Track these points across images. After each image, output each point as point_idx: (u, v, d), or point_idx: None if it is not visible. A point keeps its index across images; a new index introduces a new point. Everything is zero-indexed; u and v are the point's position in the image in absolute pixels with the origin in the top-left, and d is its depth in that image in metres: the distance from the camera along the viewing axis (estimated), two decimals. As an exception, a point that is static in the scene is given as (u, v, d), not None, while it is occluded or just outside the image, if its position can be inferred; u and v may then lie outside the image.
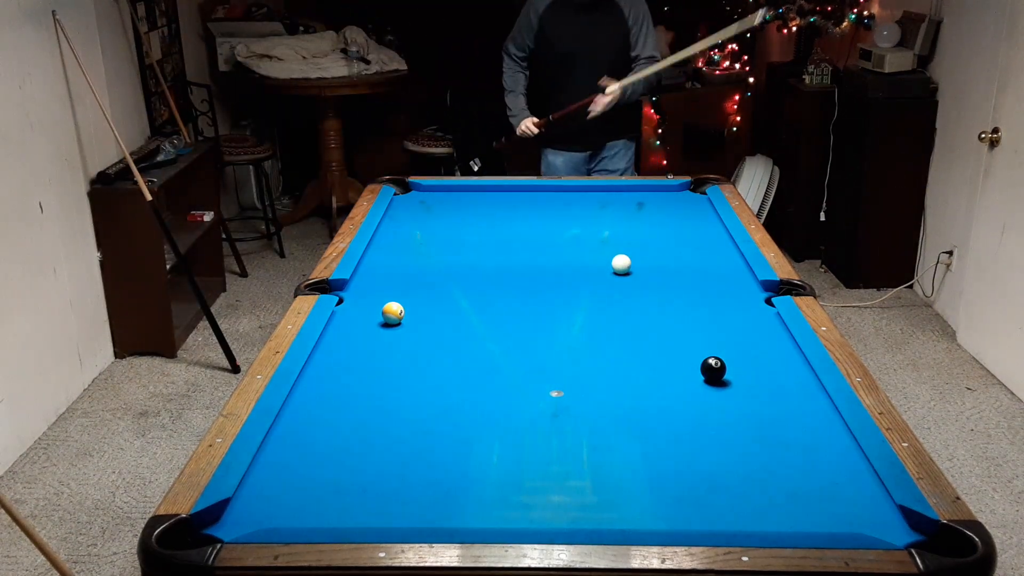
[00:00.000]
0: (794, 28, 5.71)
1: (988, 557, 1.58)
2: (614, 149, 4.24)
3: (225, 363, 4.26)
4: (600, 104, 3.79)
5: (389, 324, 2.54)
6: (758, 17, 3.42)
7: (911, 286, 5.04)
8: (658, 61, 3.83)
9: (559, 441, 2.00)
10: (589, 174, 4.26)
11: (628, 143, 4.26)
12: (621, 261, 2.91)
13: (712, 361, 2.20)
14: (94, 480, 3.44)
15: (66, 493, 3.36)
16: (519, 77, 4.08)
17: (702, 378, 2.21)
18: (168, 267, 4.32)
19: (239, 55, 5.66)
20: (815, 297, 2.66)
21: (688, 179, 3.83)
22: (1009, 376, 4.05)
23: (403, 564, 1.57)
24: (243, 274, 5.37)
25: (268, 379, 2.18)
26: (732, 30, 3.55)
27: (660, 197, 3.68)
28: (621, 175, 4.23)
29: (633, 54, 3.90)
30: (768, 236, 3.18)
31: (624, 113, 4.07)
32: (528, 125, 3.96)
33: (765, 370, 2.30)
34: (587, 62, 3.94)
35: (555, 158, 4.16)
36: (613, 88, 3.71)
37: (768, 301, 2.66)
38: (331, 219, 5.91)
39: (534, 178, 3.96)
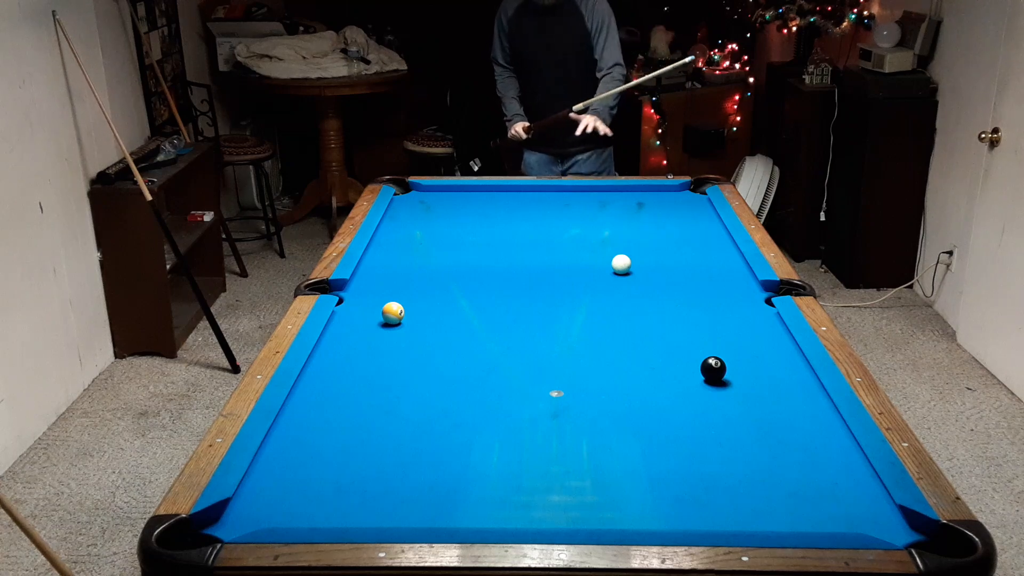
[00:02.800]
0: (794, 28, 5.70)
1: (988, 557, 1.58)
2: (584, 155, 4.25)
3: (225, 363, 4.26)
4: (586, 123, 3.72)
5: (389, 324, 2.54)
6: (688, 57, 3.84)
7: (911, 286, 5.04)
8: (620, 67, 3.78)
9: (559, 441, 2.00)
10: (563, 175, 4.27)
11: (598, 151, 4.25)
12: (621, 261, 2.92)
13: (712, 361, 2.20)
14: (94, 480, 3.44)
15: (66, 493, 3.36)
16: (509, 83, 4.14)
17: (702, 378, 2.22)
18: (168, 267, 4.32)
19: (239, 55, 5.66)
20: (815, 297, 2.66)
21: (688, 179, 3.83)
22: (1009, 376, 4.05)
23: (403, 564, 1.57)
24: (243, 274, 5.37)
25: (268, 379, 2.18)
26: (668, 69, 4.11)
27: (660, 197, 3.68)
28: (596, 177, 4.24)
29: (598, 64, 3.86)
30: (768, 236, 3.18)
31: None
32: (518, 130, 4.06)
33: (765, 370, 2.30)
34: (550, 66, 3.95)
35: (529, 156, 4.25)
36: (587, 116, 3.67)
37: (768, 301, 2.66)
38: (331, 219, 5.91)
39: (534, 178, 3.96)
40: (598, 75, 3.84)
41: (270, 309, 4.94)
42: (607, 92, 3.66)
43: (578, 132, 3.43)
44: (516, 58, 4.07)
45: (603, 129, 3.22)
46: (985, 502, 3.29)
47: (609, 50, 3.63)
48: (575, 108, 3.70)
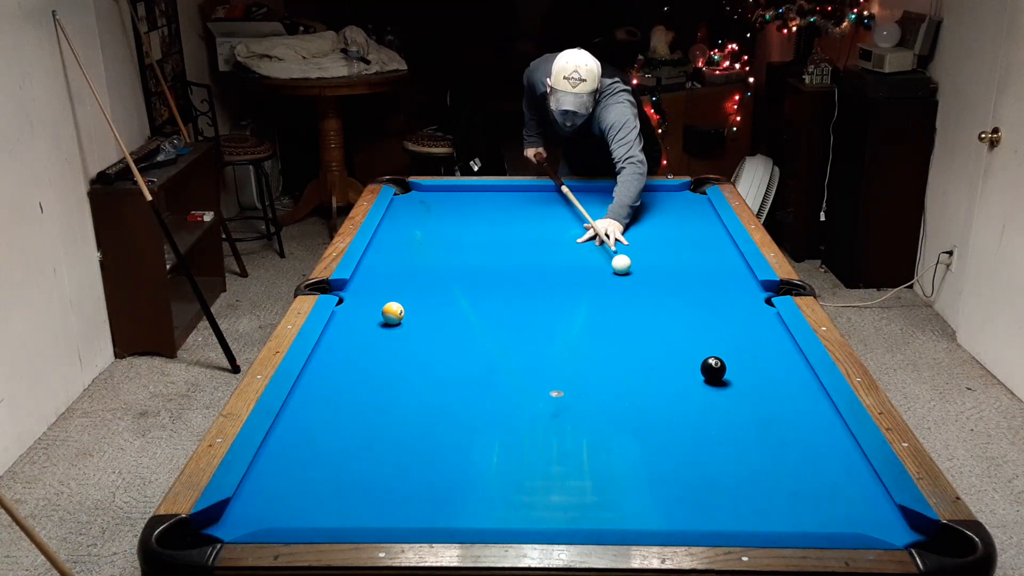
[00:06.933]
0: (794, 28, 5.70)
1: (988, 557, 1.58)
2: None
3: (225, 363, 4.25)
4: (590, 235, 3.47)
5: (389, 324, 2.54)
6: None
7: (911, 286, 5.04)
8: (632, 162, 3.57)
9: (559, 441, 2.00)
10: None
11: None
12: (621, 261, 2.92)
13: (712, 361, 2.20)
14: (94, 480, 3.44)
15: (66, 493, 3.36)
16: (534, 107, 4.08)
17: (702, 378, 2.22)
18: (168, 267, 4.31)
19: (239, 55, 5.66)
20: (815, 297, 2.66)
21: (688, 179, 3.83)
22: (1009, 376, 4.05)
23: (403, 564, 1.57)
24: (243, 274, 5.37)
25: (268, 379, 2.18)
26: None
27: (660, 197, 3.68)
28: None
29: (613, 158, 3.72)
30: (768, 236, 3.18)
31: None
32: (529, 154, 4.05)
33: (765, 370, 2.30)
34: (575, 146, 3.93)
35: (562, 168, 4.19)
36: (599, 223, 3.44)
37: (768, 301, 2.66)
38: (331, 219, 5.91)
39: (534, 178, 3.96)
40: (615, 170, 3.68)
41: (270, 309, 4.94)
42: (619, 194, 3.41)
43: (580, 241, 3.27)
44: (543, 123, 3.99)
45: (610, 242, 3.10)
46: (985, 502, 3.29)
47: (618, 148, 3.50)
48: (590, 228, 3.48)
